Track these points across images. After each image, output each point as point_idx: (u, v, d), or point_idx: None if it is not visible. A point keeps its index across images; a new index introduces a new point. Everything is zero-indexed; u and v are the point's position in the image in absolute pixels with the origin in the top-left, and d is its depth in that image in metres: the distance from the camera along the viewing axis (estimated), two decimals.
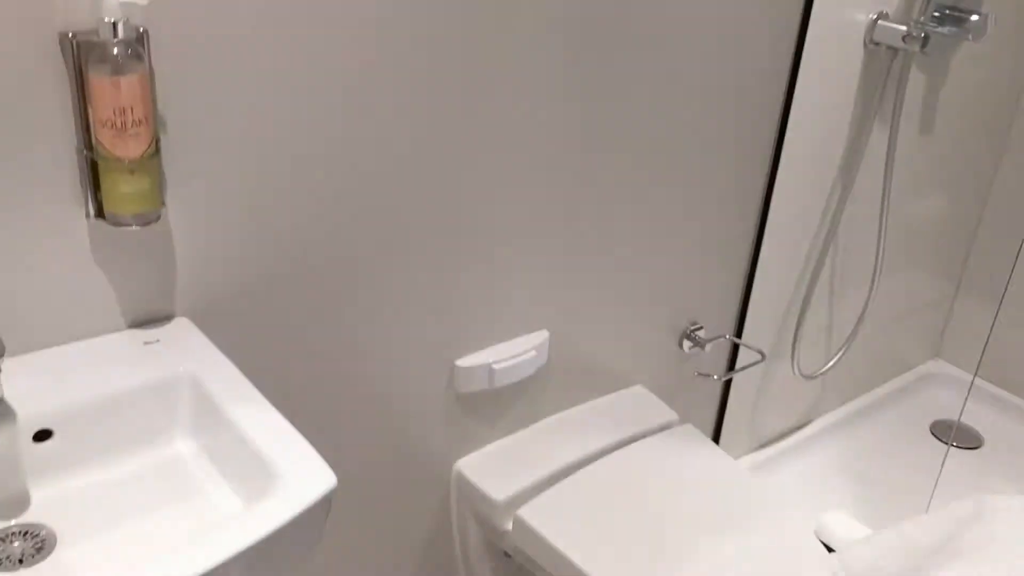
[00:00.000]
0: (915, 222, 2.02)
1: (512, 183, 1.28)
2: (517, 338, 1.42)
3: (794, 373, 1.91)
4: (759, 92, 1.52)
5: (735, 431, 1.94)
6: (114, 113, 0.86)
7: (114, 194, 0.90)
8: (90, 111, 0.87)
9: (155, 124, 0.90)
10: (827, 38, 1.56)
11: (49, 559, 0.84)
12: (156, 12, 0.88)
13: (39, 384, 0.91)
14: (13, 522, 0.87)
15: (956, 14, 1.65)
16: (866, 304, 1.91)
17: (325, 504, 0.82)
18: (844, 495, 1.99)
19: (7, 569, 0.82)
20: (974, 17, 1.63)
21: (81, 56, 0.86)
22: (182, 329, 1.02)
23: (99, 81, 0.85)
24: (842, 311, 1.99)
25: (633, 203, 1.45)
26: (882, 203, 1.79)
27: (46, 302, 0.94)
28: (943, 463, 2.03)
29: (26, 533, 0.86)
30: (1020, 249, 2.17)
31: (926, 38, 1.56)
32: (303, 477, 0.82)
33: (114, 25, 0.84)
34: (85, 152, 0.90)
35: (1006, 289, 2.22)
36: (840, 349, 1.98)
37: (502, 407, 1.46)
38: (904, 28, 1.58)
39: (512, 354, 1.40)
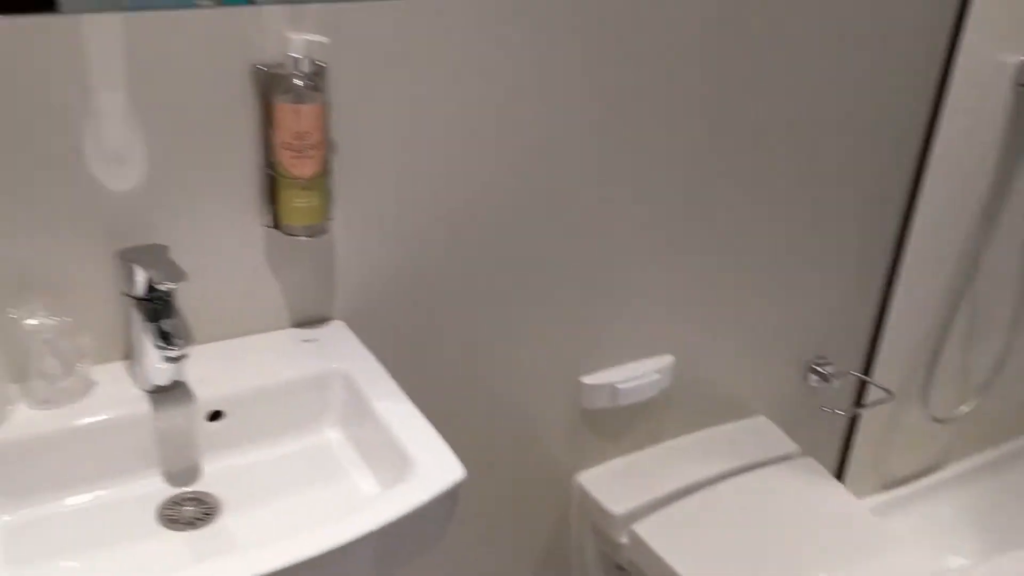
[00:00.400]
0: None
1: (646, 212, 1.34)
2: (643, 360, 1.48)
3: (925, 415, 1.88)
4: (898, 127, 1.54)
5: (859, 469, 1.92)
6: (293, 137, 0.98)
7: (288, 208, 1.02)
8: (273, 134, 1.00)
9: (328, 147, 1.02)
10: (974, 78, 1.55)
11: (214, 524, 0.96)
12: (335, 50, 1.00)
13: (214, 371, 1.04)
14: (187, 489, 1.00)
15: None
16: (1007, 348, 1.86)
17: (453, 494, 0.91)
18: (970, 547, 1.94)
19: (179, 529, 0.95)
20: None
21: (269, 86, 0.98)
22: (337, 331, 1.14)
23: (282, 108, 0.98)
24: (981, 354, 1.94)
25: (764, 234, 1.49)
26: None
27: (224, 299, 1.07)
28: None
29: (197, 499, 0.99)
30: None
31: None
32: (435, 468, 0.92)
33: (298, 60, 0.97)
34: (266, 170, 1.02)
35: None
36: (977, 394, 1.93)
37: (624, 426, 1.52)
38: None
39: (636, 375, 1.46)
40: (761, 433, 1.66)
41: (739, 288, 1.52)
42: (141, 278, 0.94)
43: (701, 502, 1.49)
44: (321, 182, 1.02)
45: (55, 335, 0.95)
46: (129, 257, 0.95)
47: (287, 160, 0.99)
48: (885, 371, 1.80)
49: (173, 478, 1.00)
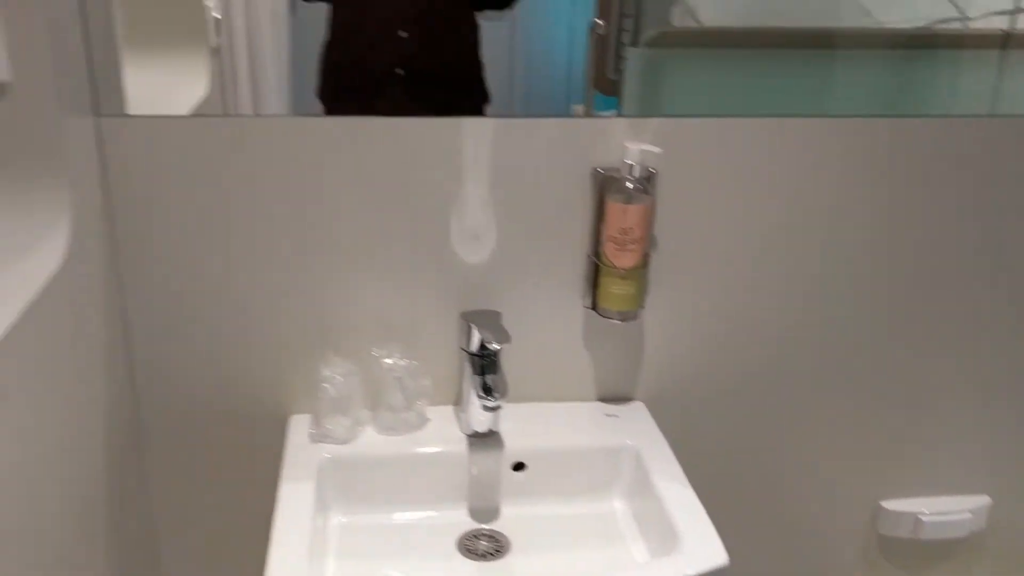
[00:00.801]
0: None
1: (967, 347, 1.30)
2: (954, 496, 1.41)
3: None
4: None
5: None
6: (618, 232, 1.11)
7: (606, 293, 1.15)
8: (601, 227, 1.13)
9: (648, 243, 1.14)
10: None
11: (503, 560, 1.09)
12: (665, 158, 1.12)
13: (524, 427, 1.18)
14: (485, 526, 1.14)
15: None
16: None
17: None
18: None
19: (473, 559, 1.09)
20: None
21: (603, 185, 1.13)
22: (637, 410, 1.24)
23: (612, 206, 1.11)
24: None
25: None
26: None
27: (541, 365, 1.22)
28: None
29: (492, 536, 1.12)
30: None
31: None
32: (702, 550, 0.97)
33: (632, 166, 1.10)
34: (591, 257, 1.16)
35: None
36: None
37: (925, 563, 1.45)
38: None
39: (945, 510, 1.39)
40: None
41: None
42: (476, 337, 1.11)
43: None
44: (638, 273, 1.14)
45: (404, 374, 1.15)
46: (469, 318, 1.13)
47: (610, 251, 1.12)
48: None
49: (475, 514, 1.15)
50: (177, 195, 1.07)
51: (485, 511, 1.15)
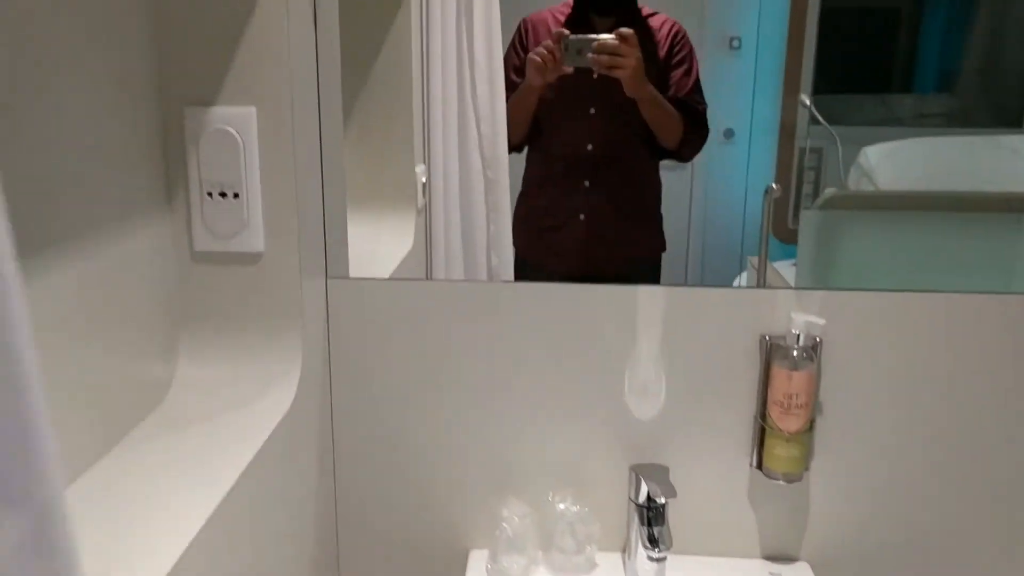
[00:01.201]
0: None
1: None
2: None
3: None
4: None
5: None
6: (784, 396, 1.17)
7: (771, 455, 1.20)
8: (768, 392, 1.20)
9: (813, 409, 1.19)
10: None
11: None
12: (830, 328, 1.18)
13: None
14: None
15: None
16: None
17: None
18: None
19: None
20: None
21: (770, 352, 1.20)
22: (801, 570, 1.26)
23: (779, 372, 1.18)
24: None
25: None
26: None
27: (705, 520, 1.27)
28: None
29: None
30: None
31: None
32: None
33: (798, 336, 1.17)
34: (758, 419, 1.22)
35: None
36: None
37: None
38: None
39: None
40: None
41: None
42: (644, 489, 1.19)
43: None
44: (803, 437, 1.19)
45: (576, 520, 1.23)
46: (638, 470, 1.21)
47: (776, 415, 1.18)
48: None
49: None
50: (382, 346, 1.23)
51: None
